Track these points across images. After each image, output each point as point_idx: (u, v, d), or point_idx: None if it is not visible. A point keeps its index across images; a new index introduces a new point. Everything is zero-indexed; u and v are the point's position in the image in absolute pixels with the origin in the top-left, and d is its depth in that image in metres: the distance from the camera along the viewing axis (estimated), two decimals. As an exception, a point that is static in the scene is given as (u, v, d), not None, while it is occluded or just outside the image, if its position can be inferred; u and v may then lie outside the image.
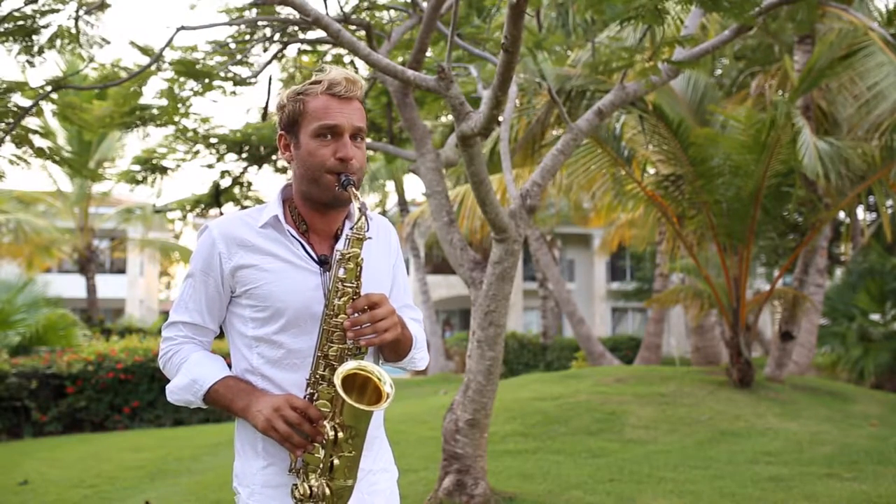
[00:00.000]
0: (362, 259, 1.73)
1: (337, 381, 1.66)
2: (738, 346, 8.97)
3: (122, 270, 31.46)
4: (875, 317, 15.20)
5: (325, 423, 1.68)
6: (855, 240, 16.40)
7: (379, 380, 1.71)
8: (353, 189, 1.75)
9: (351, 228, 1.75)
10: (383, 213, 25.95)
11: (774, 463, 6.31)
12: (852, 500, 5.16)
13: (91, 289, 22.13)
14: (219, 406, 1.80)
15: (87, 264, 22.18)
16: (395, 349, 1.85)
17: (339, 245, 1.79)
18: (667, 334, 20.47)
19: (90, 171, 12.82)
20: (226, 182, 13.47)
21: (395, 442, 8.21)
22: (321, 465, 1.69)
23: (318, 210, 1.84)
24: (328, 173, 1.77)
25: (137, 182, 13.02)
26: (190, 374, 1.81)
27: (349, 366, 1.70)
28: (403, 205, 21.26)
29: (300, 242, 1.82)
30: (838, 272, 18.76)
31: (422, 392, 14.36)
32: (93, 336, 14.80)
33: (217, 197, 13.38)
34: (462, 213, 13.04)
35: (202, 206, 14.42)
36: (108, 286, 28.66)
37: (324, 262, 1.82)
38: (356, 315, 1.70)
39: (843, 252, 18.72)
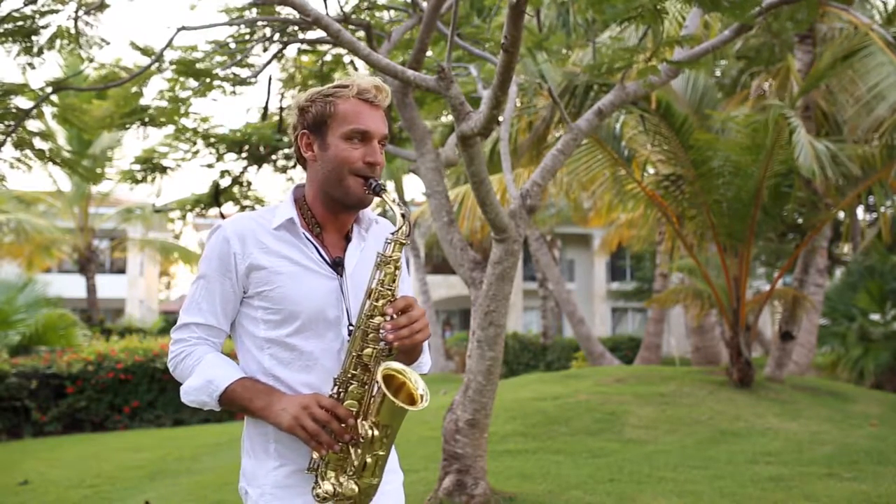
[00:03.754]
0: (401, 264, 1.77)
1: (379, 378, 1.69)
2: (738, 346, 8.97)
3: (122, 270, 31.44)
4: (875, 317, 15.19)
5: (363, 422, 1.71)
6: (855, 240, 16.40)
7: (411, 382, 1.74)
8: (389, 195, 1.78)
9: (393, 233, 1.77)
10: (383, 213, 25.95)
11: (774, 463, 6.31)
12: (852, 500, 5.16)
13: (91, 289, 22.12)
14: (234, 407, 1.79)
15: (87, 264, 22.17)
16: (411, 353, 1.85)
17: (380, 248, 1.81)
18: (667, 334, 20.47)
19: (89, 172, 12.80)
20: (225, 181, 13.47)
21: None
22: (355, 464, 1.71)
23: (335, 212, 1.86)
24: (355, 175, 1.80)
25: (137, 181, 13.03)
26: (205, 374, 1.79)
27: (393, 366, 1.73)
28: (403, 205, 21.26)
29: (314, 246, 1.83)
30: (838, 272, 18.76)
31: (422, 392, 14.36)
32: (93, 336, 14.79)
33: (217, 196, 13.37)
34: (462, 213, 13.05)
35: (202, 205, 14.42)
36: (108, 286, 28.65)
37: (337, 265, 1.84)
38: (394, 316, 1.72)
39: (843, 252, 18.71)
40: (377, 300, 1.74)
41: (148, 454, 8.04)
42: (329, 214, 1.86)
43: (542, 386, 9.60)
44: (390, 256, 1.75)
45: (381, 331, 1.72)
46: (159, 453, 8.02)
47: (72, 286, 25.24)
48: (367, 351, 1.73)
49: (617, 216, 16.28)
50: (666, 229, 12.24)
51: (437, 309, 26.12)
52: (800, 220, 11.55)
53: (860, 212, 15.13)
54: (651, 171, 10.34)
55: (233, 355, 1.91)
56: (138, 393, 11.07)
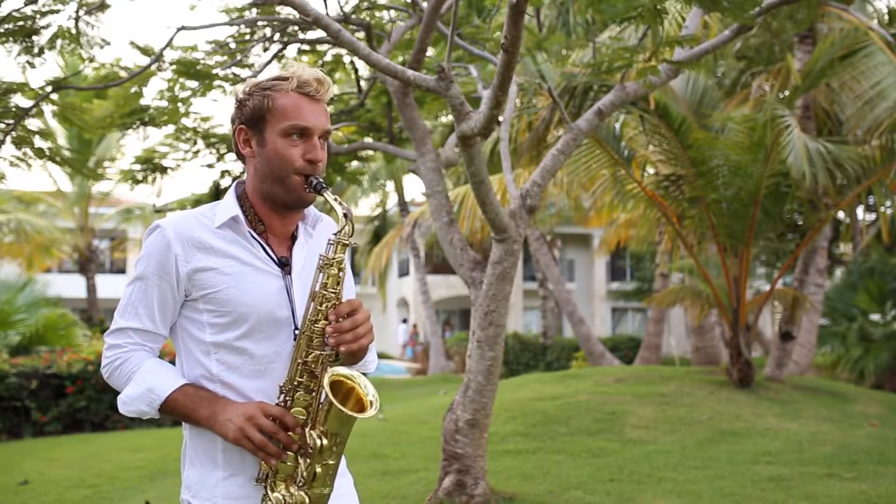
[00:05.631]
0: (345, 265, 1.71)
1: (326, 386, 1.64)
2: (738, 346, 8.97)
3: (122, 270, 31.44)
4: (875, 317, 15.18)
5: (311, 431, 1.65)
6: (855, 240, 16.40)
7: (361, 387, 1.70)
8: (330, 193, 1.71)
9: (335, 234, 1.71)
10: (383, 213, 25.92)
11: (774, 463, 6.31)
12: (852, 500, 5.16)
13: (91, 289, 22.14)
14: (177, 415, 1.72)
15: (87, 264, 22.18)
16: (355, 356, 1.77)
17: (323, 250, 1.74)
18: (667, 334, 20.45)
19: (90, 171, 12.80)
20: (226, 182, 13.46)
21: (396, 442, 8.21)
22: (304, 474, 1.66)
23: (277, 211, 1.78)
24: (296, 174, 1.72)
25: (138, 182, 13.04)
26: (144, 382, 1.71)
27: (340, 371, 1.69)
28: (403, 205, 21.26)
29: (260, 244, 1.76)
30: (838, 272, 18.75)
31: (422, 392, 14.37)
32: (93, 336, 14.78)
33: (217, 196, 13.38)
34: (462, 213, 13.02)
35: (202, 205, 14.42)
36: (108, 286, 28.61)
37: (284, 265, 1.77)
38: (339, 321, 1.66)
39: (843, 253, 18.72)
40: (321, 304, 1.67)
41: (148, 454, 8.04)
42: (272, 213, 1.78)
43: (542, 386, 9.60)
44: (333, 259, 1.68)
45: (326, 336, 1.66)
46: (159, 453, 8.02)
47: (72, 286, 25.24)
48: (313, 356, 1.66)
49: (617, 216, 16.26)
50: (666, 229, 12.23)
51: (437, 309, 26.10)
52: (800, 221, 11.55)
53: (860, 212, 15.13)
54: (651, 171, 10.34)
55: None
56: (138, 393, 11.07)
